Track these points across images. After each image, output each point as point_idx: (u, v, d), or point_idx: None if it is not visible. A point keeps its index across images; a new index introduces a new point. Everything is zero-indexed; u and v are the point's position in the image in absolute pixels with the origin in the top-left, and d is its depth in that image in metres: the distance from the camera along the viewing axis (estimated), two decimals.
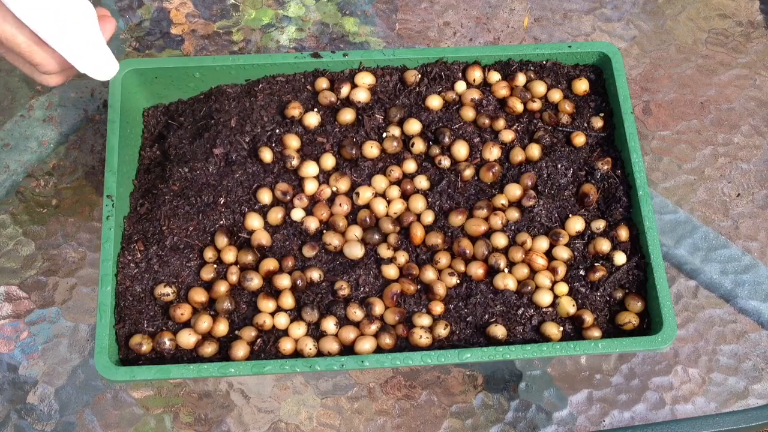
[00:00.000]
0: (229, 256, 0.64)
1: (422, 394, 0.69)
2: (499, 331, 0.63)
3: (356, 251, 0.64)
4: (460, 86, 0.70)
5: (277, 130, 0.68)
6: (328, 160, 0.67)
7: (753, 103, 0.81)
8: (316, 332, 0.63)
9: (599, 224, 0.66)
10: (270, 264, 0.64)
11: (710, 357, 0.72)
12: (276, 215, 0.66)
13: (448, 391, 0.70)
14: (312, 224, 0.65)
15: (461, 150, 0.67)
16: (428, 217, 0.65)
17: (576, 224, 0.65)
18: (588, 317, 0.64)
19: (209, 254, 0.64)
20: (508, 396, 0.70)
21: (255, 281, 0.63)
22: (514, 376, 0.70)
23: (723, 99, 0.81)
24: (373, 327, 0.63)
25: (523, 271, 0.65)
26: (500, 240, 0.65)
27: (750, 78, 0.82)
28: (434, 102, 0.69)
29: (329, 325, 0.63)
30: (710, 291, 0.74)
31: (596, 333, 0.64)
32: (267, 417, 0.68)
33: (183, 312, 0.62)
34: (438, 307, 0.63)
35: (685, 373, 0.71)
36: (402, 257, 0.64)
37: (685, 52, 0.84)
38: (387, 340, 0.62)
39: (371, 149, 0.67)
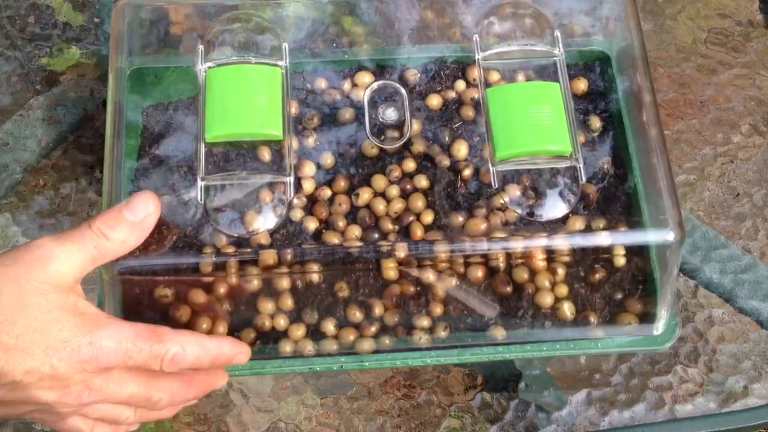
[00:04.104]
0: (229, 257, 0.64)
1: (422, 394, 0.69)
2: (498, 332, 0.63)
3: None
4: (460, 85, 0.70)
5: None
6: (327, 160, 0.67)
7: (752, 103, 0.81)
8: (315, 333, 0.63)
9: (599, 224, 0.65)
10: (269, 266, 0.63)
11: (710, 357, 0.72)
12: (275, 217, 0.65)
13: (447, 391, 0.70)
14: (311, 224, 0.65)
15: (461, 149, 0.67)
16: (428, 217, 0.65)
17: (576, 224, 0.65)
18: (588, 318, 0.64)
19: (208, 255, 0.64)
20: (507, 396, 0.70)
21: (254, 282, 0.63)
22: (514, 376, 0.71)
23: (723, 98, 0.81)
24: (373, 328, 0.63)
25: (522, 272, 0.64)
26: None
27: (749, 77, 0.82)
28: (434, 101, 0.69)
29: (329, 326, 0.63)
30: (710, 291, 0.74)
31: (596, 334, 0.64)
32: (266, 417, 0.68)
33: (182, 313, 0.62)
34: (438, 308, 0.63)
35: (684, 373, 0.71)
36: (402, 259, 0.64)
37: (684, 52, 0.84)
38: (386, 341, 0.62)
39: (371, 148, 0.67)
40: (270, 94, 0.64)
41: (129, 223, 0.55)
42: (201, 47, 0.67)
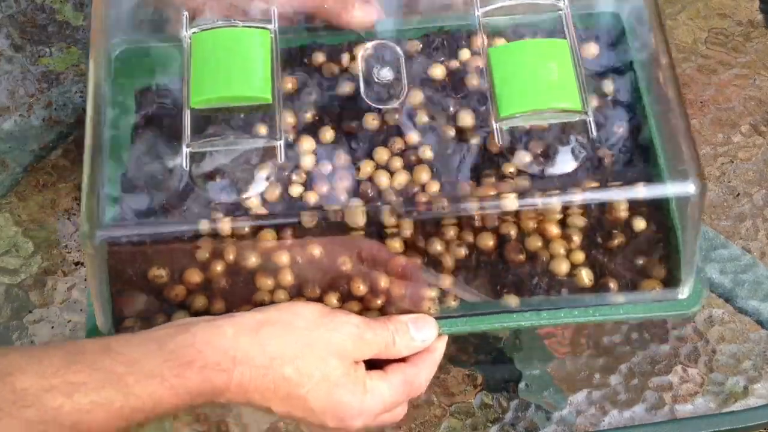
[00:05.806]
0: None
1: (422, 394, 0.69)
2: (512, 300, 0.62)
3: (358, 220, 0.61)
4: (464, 54, 0.68)
5: None
6: (327, 134, 0.65)
7: (752, 103, 0.81)
8: None
9: (615, 182, 0.62)
10: (268, 241, 0.62)
11: (710, 357, 0.72)
12: (274, 192, 0.63)
13: (447, 391, 0.70)
14: (311, 198, 0.63)
15: (467, 118, 0.65)
16: (434, 188, 0.63)
17: (590, 183, 0.62)
18: (609, 284, 0.61)
19: (205, 233, 0.62)
20: (507, 396, 0.70)
21: (252, 259, 0.61)
22: (514, 376, 0.70)
23: (723, 98, 0.82)
24: (379, 301, 0.62)
25: (536, 240, 0.62)
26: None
27: (750, 78, 0.83)
28: (437, 71, 0.67)
29: (332, 300, 0.61)
30: (710, 291, 0.74)
31: (617, 300, 0.62)
32: (267, 417, 0.68)
33: (177, 293, 0.61)
34: (447, 280, 0.62)
35: (685, 373, 0.71)
36: (407, 229, 0.61)
37: (685, 52, 0.84)
38: (393, 312, 0.61)
39: (372, 121, 0.65)
40: (258, 57, 0.63)
41: (411, 337, 0.60)
42: (186, 13, 0.65)
